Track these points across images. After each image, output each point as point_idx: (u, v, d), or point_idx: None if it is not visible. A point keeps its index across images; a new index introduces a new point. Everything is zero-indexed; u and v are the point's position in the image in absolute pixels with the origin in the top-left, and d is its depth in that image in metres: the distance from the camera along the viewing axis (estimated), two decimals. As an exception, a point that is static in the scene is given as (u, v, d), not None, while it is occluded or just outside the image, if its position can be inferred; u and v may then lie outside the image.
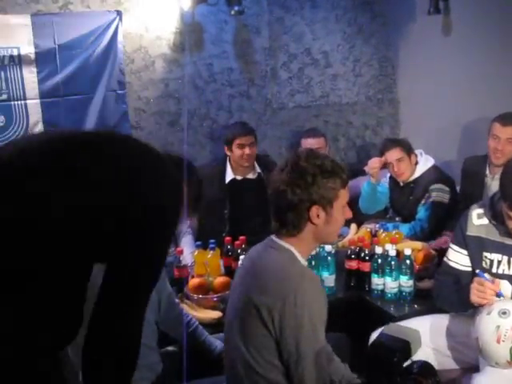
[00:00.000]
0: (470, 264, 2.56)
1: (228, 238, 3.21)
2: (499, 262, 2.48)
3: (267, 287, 1.92)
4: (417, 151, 3.91)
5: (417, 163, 3.87)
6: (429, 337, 2.59)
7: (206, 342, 2.57)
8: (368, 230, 3.54)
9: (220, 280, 2.90)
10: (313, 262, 2.92)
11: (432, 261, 3.07)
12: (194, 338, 2.54)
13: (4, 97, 3.80)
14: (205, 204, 3.95)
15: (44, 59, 3.84)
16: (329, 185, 1.96)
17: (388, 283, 2.89)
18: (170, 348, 2.59)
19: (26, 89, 3.84)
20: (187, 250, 3.20)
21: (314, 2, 4.82)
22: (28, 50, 3.79)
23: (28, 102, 3.86)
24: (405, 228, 3.62)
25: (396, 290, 2.90)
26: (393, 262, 2.88)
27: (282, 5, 4.71)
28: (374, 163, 3.90)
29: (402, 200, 3.93)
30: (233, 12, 4.25)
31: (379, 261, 2.92)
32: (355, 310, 2.99)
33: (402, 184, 3.93)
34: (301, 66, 4.87)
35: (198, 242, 3.17)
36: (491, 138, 3.50)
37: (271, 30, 4.70)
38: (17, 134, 3.85)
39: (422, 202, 3.75)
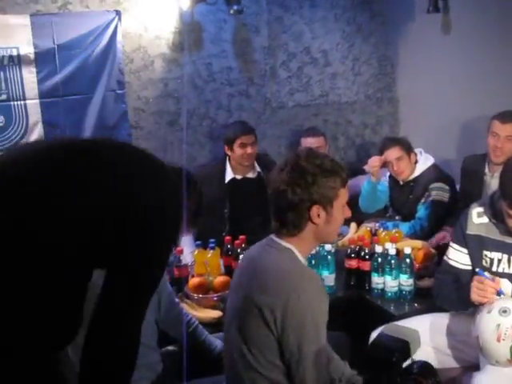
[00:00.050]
0: (470, 263, 2.56)
1: (228, 238, 3.22)
2: (499, 261, 2.48)
3: (269, 287, 1.91)
4: (416, 150, 3.91)
5: (416, 162, 3.86)
6: (429, 335, 2.59)
7: (206, 342, 2.57)
8: (368, 228, 3.54)
9: (220, 279, 2.91)
10: (313, 261, 2.92)
11: (432, 259, 3.08)
12: (194, 338, 2.54)
13: (3, 97, 3.80)
14: (205, 203, 3.99)
15: (43, 59, 3.84)
16: (329, 184, 1.96)
17: (388, 282, 2.89)
18: (170, 347, 2.59)
19: (26, 89, 3.84)
20: (187, 249, 3.20)
21: (313, 1, 4.81)
22: (27, 50, 3.79)
23: (27, 102, 3.86)
24: (405, 227, 3.62)
25: (396, 288, 2.90)
26: (393, 261, 2.88)
27: (281, 4, 4.70)
28: (374, 162, 3.90)
29: (402, 199, 3.93)
30: (232, 11, 4.25)
31: (379, 260, 2.92)
32: (355, 308, 2.99)
33: (401, 183, 3.93)
34: (300, 65, 4.87)
35: (198, 242, 3.17)
36: (490, 135, 3.50)
37: (270, 29, 4.69)
38: (16, 134, 3.85)
39: (422, 200, 3.75)
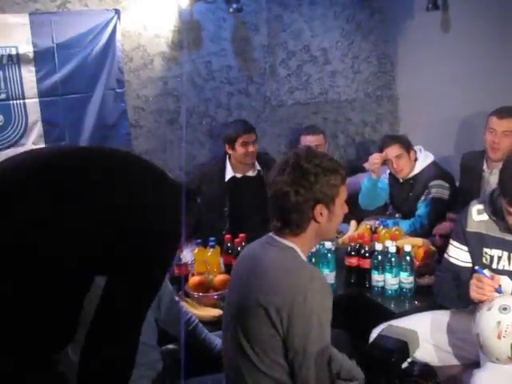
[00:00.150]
0: (470, 260, 2.56)
1: (228, 236, 3.22)
2: (499, 258, 2.48)
3: (274, 287, 1.91)
4: (416, 147, 3.91)
5: (416, 159, 3.86)
6: (429, 333, 2.59)
7: (206, 340, 2.57)
8: (368, 226, 3.54)
9: (220, 278, 2.91)
10: (313, 259, 2.92)
11: (432, 257, 3.08)
12: (194, 336, 2.54)
13: (2, 96, 3.79)
14: (205, 202, 3.99)
15: (42, 58, 3.84)
16: (331, 182, 1.97)
17: (388, 280, 2.89)
18: (171, 346, 2.59)
19: (25, 88, 3.83)
20: (187, 247, 3.20)
21: (313, -1, 4.82)
22: (26, 49, 3.79)
23: (27, 101, 3.86)
24: (405, 224, 3.62)
25: (396, 286, 2.90)
26: (393, 259, 2.88)
27: (281, 2, 4.70)
28: (374, 159, 3.90)
29: (402, 196, 3.93)
30: (231, 9, 4.26)
31: (379, 257, 2.91)
32: (355, 306, 2.99)
33: (401, 180, 3.93)
34: (299, 63, 4.87)
35: (198, 240, 3.17)
36: (488, 131, 3.51)
37: (270, 27, 4.69)
38: (16, 133, 3.85)
39: (422, 198, 3.75)
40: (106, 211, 1.46)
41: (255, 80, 4.72)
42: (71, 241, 1.41)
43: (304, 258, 2.04)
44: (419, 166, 3.85)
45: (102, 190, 1.47)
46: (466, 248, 2.57)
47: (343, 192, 2.04)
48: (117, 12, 4.04)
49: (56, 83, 3.91)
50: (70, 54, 3.92)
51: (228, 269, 3.03)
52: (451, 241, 2.65)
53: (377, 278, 2.93)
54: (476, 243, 2.53)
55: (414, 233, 3.54)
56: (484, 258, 2.51)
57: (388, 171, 4.01)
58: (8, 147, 3.85)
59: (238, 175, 3.98)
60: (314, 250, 2.89)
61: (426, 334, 2.57)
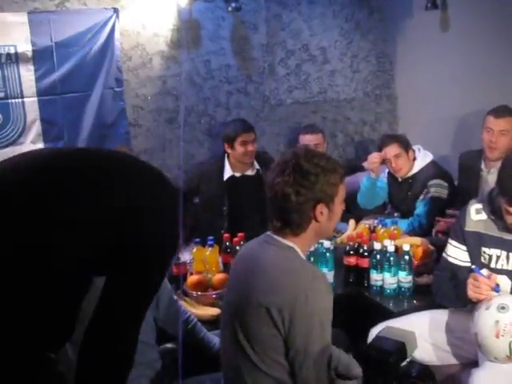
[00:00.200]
0: (468, 259, 2.57)
1: (227, 235, 3.22)
2: (498, 257, 2.48)
3: (276, 286, 1.90)
4: (415, 147, 3.90)
5: (415, 159, 3.86)
6: (428, 332, 2.59)
7: (205, 339, 2.56)
8: (366, 225, 3.54)
9: (219, 277, 2.90)
10: (311, 259, 2.92)
11: (431, 256, 3.07)
12: (192, 335, 2.54)
13: (1, 95, 3.80)
14: (203, 201, 3.99)
15: (41, 57, 3.84)
16: (331, 181, 1.97)
17: (387, 279, 2.89)
18: (169, 345, 2.59)
19: (24, 87, 3.84)
20: (185, 249, 3.20)
21: (311, -3, 4.82)
22: (25, 47, 3.79)
23: (25, 99, 3.86)
24: (403, 224, 3.62)
25: (395, 285, 2.89)
26: (391, 258, 2.88)
27: (279, 1, 4.70)
28: (373, 158, 3.89)
29: (401, 196, 3.93)
30: (230, 8, 4.26)
31: (378, 257, 2.91)
32: (354, 305, 2.99)
33: (400, 180, 3.93)
34: (298, 63, 4.87)
35: (197, 239, 3.16)
36: (485, 130, 3.52)
37: (268, 26, 4.69)
38: (14, 131, 3.85)
39: (421, 197, 3.75)
40: (105, 212, 1.46)
41: (254, 79, 4.72)
42: (70, 241, 1.42)
43: (303, 257, 2.05)
44: (418, 166, 3.85)
45: (100, 191, 1.48)
46: (464, 247, 2.57)
47: (342, 190, 2.04)
48: (115, 11, 4.04)
49: (55, 82, 3.91)
50: (69, 53, 3.92)
51: (227, 268, 3.03)
52: (450, 240, 2.65)
53: (375, 277, 2.93)
54: (474, 242, 2.54)
55: (412, 232, 3.54)
56: (482, 258, 2.51)
57: (387, 170, 4.01)
58: (6, 146, 3.85)
59: (237, 174, 3.97)
60: (312, 249, 2.88)
61: (425, 333, 2.57)
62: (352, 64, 5.09)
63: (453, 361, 2.59)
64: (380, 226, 3.40)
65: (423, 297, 2.86)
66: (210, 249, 3.06)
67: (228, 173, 3.95)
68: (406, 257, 2.87)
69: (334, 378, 1.92)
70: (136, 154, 3.87)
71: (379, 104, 5.28)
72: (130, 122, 4.28)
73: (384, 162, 3.89)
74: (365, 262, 2.98)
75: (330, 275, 2.96)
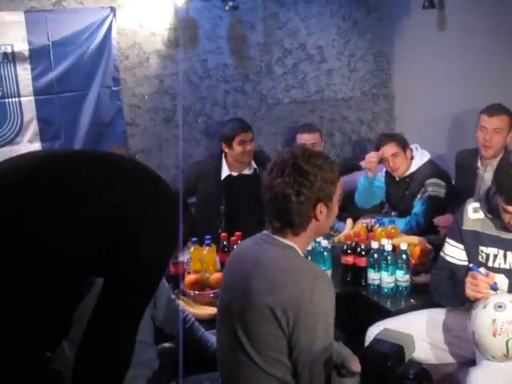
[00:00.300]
0: (466, 258, 2.57)
1: (224, 234, 3.22)
2: (495, 256, 2.48)
3: (280, 286, 1.89)
4: (412, 146, 3.91)
5: (412, 158, 3.86)
6: (425, 331, 2.59)
7: (203, 338, 2.56)
8: (364, 224, 3.54)
9: (216, 276, 2.90)
10: (309, 258, 2.92)
11: (428, 255, 3.08)
12: (190, 335, 2.54)
13: (-2, 94, 3.79)
14: (201, 200, 3.99)
15: (38, 56, 3.83)
16: (329, 180, 1.97)
17: (384, 278, 2.89)
18: (167, 344, 2.59)
19: (20, 86, 3.82)
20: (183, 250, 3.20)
21: (309, -4, 4.82)
22: (22, 46, 3.78)
23: (22, 99, 3.85)
24: (401, 223, 3.62)
25: (392, 284, 2.89)
26: (389, 257, 2.88)
27: (277, 0, 4.70)
28: (371, 157, 3.89)
29: (398, 195, 3.93)
30: (227, 7, 4.25)
31: (375, 256, 2.91)
32: (352, 304, 2.99)
33: (397, 179, 3.93)
34: (296, 62, 4.87)
35: (194, 238, 3.16)
36: (479, 129, 3.54)
37: (266, 25, 4.69)
38: (11, 131, 3.84)
39: (418, 196, 3.75)
40: (104, 212, 1.46)
41: (251, 78, 4.71)
42: (69, 241, 1.42)
43: (302, 256, 2.05)
44: (415, 165, 3.85)
45: (99, 191, 1.48)
46: (462, 246, 2.58)
47: (339, 188, 2.05)
48: (112, 10, 4.03)
49: (51, 81, 3.91)
50: (66, 52, 3.91)
51: (224, 267, 3.03)
52: (447, 239, 2.65)
53: (373, 276, 2.93)
54: (472, 241, 2.54)
55: (410, 231, 3.54)
56: (480, 256, 2.52)
57: (384, 169, 4.01)
58: (3, 145, 3.84)
59: (234, 173, 3.97)
60: (310, 248, 2.89)
61: (422, 332, 2.57)
62: (349, 63, 5.10)
63: (450, 359, 2.59)
64: (377, 225, 3.41)
65: (421, 296, 2.87)
66: (207, 248, 3.06)
67: (225, 172, 3.95)
68: (404, 256, 2.87)
69: (336, 377, 1.92)
70: (133, 154, 3.87)
71: (376, 103, 5.28)
72: (127, 121, 4.28)
73: (381, 161, 3.89)
74: (362, 261, 2.98)
75: (327, 274, 2.96)
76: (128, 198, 1.50)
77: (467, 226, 2.55)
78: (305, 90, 4.95)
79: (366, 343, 2.53)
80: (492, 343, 2.18)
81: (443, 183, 3.72)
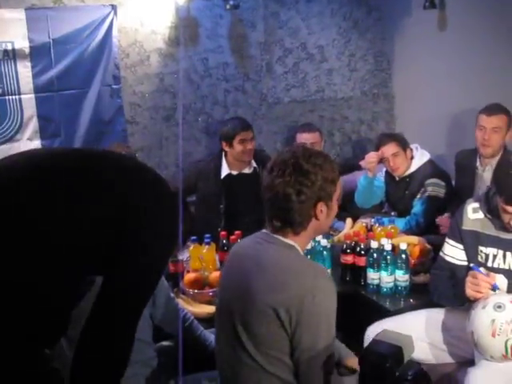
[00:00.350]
0: (465, 258, 2.57)
1: (223, 233, 3.22)
2: (494, 256, 2.49)
3: (282, 286, 1.89)
4: (412, 146, 3.91)
5: (412, 158, 3.86)
6: (424, 331, 2.59)
7: (202, 337, 2.56)
8: (363, 224, 3.54)
9: (215, 274, 2.90)
10: (308, 257, 2.91)
11: (428, 255, 3.08)
12: (189, 333, 2.54)
13: (-2, 91, 3.79)
14: (200, 199, 3.99)
15: (38, 53, 3.83)
16: (329, 179, 1.97)
17: (383, 277, 2.89)
18: (165, 343, 2.59)
19: (21, 83, 3.82)
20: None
21: (310, -4, 4.81)
22: (22, 44, 3.78)
23: (22, 96, 3.85)
24: (400, 222, 3.62)
25: (391, 284, 2.89)
26: (388, 257, 2.88)
27: (278, -1, 4.71)
28: (371, 157, 3.89)
29: (398, 194, 3.93)
30: (228, 6, 4.25)
31: (375, 255, 2.91)
32: (351, 304, 2.99)
33: (397, 178, 3.93)
34: (296, 61, 4.87)
35: (194, 237, 3.16)
36: (478, 129, 3.55)
37: (266, 24, 4.69)
38: (11, 128, 3.84)
39: (418, 196, 3.75)
40: (104, 211, 1.46)
41: (252, 77, 4.71)
42: (69, 239, 1.42)
43: (303, 255, 2.05)
44: (415, 164, 3.85)
45: (100, 190, 1.48)
46: (461, 246, 2.58)
47: (338, 187, 2.05)
48: (113, 8, 4.04)
49: (52, 79, 3.90)
50: (66, 50, 3.91)
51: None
52: (447, 239, 2.65)
53: (372, 275, 2.93)
54: (471, 241, 2.54)
55: (409, 231, 3.54)
56: (479, 256, 2.52)
57: (384, 169, 4.01)
58: (3, 142, 3.84)
59: (234, 172, 3.97)
60: (309, 247, 2.89)
61: (421, 332, 2.57)
62: (350, 63, 5.10)
63: (449, 359, 2.59)
64: (377, 225, 3.41)
65: (420, 295, 2.87)
66: (206, 247, 3.06)
67: (225, 171, 3.95)
68: (403, 255, 2.87)
69: (336, 376, 1.92)
70: (133, 152, 3.87)
71: (376, 103, 5.29)
72: (127, 120, 4.28)
73: (382, 160, 3.89)
74: (362, 261, 2.98)
75: (326, 273, 2.96)
76: (128, 196, 1.50)
77: (467, 226, 2.55)
78: (305, 89, 4.95)
79: (365, 343, 2.53)
80: (491, 343, 2.18)
81: (443, 183, 3.72)
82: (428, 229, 3.56)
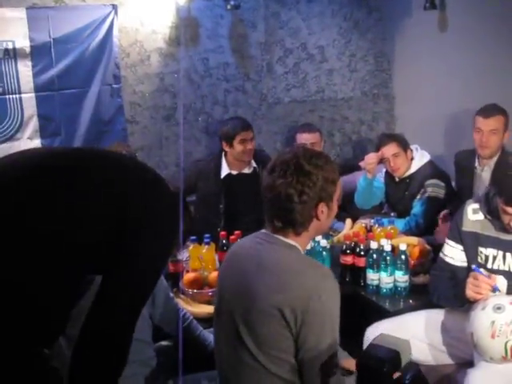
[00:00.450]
0: (465, 259, 2.57)
1: (223, 233, 3.21)
2: (494, 258, 2.48)
3: (287, 286, 1.89)
4: (412, 146, 3.91)
5: (412, 158, 3.86)
6: (424, 332, 2.59)
7: (201, 337, 2.56)
8: (363, 225, 3.54)
9: (215, 274, 2.89)
10: (308, 257, 2.92)
11: (427, 256, 3.08)
12: (188, 333, 2.54)
13: (-1, 90, 3.79)
14: (200, 198, 3.99)
15: (39, 53, 3.83)
16: (330, 180, 1.97)
17: (383, 278, 2.89)
18: (164, 343, 2.59)
19: (21, 82, 3.82)
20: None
21: (310, -4, 4.82)
22: (23, 43, 3.78)
23: (23, 95, 3.85)
24: (400, 223, 3.62)
25: (391, 285, 2.89)
26: (388, 257, 2.88)
27: (278, -1, 4.71)
28: (370, 159, 3.89)
29: (398, 195, 3.93)
30: (229, 6, 4.25)
31: (374, 256, 2.91)
32: (350, 305, 2.99)
33: (397, 179, 3.93)
34: (296, 61, 4.87)
35: (193, 237, 3.16)
36: (475, 131, 3.55)
37: (267, 24, 4.69)
38: (11, 127, 3.84)
39: (418, 197, 3.75)
40: (105, 209, 1.46)
41: (252, 77, 4.72)
42: (69, 238, 1.42)
43: (305, 255, 2.06)
44: (415, 165, 3.85)
45: (100, 188, 1.48)
46: (461, 247, 2.57)
47: (339, 187, 2.05)
48: (114, 7, 4.04)
49: (52, 78, 3.90)
50: (67, 49, 3.91)
51: (223, 266, 3.03)
52: (447, 240, 2.65)
53: (372, 276, 2.92)
54: (471, 242, 2.54)
55: (409, 232, 3.54)
56: (479, 258, 2.52)
57: (384, 170, 4.01)
58: (3, 141, 3.84)
59: (234, 172, 3.97)
60: (309, 247, 2.89)
61: (421, 333, 2.58)
62: (350, 63, 5.10)
63: (448, 361, 2.59)
64: (377, 226, 3.41)
65: (419, 296, 2.86)
66: (206, 246, 3.06)
67: (225, 171, 3.95)
68: (403, 256, 2.87)
69: (339, 376, 1.93)
70: (133, 151, 3.87)
71: (377, 103, 5.29)
72: (128, 119, 4.28)
73: (382, 161, 3.89)
74: (361, 261, 2.98)
75: (326, 274, 2.96)
76: (127, 196, 1.50)
77: (467, 227, 2.55)
78: (305, 89, 4.95)
79: (365, 344, 2.53)
80: (490, 345, 2.18)
81: (443, 184, 3.72)
82: (428, 230, 3.56)
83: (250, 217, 3.74)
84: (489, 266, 2.48)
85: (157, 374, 2.35)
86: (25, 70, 3.82)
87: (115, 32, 4.07)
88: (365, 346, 2.30)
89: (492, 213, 2.47)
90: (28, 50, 3.80)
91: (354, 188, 4.07)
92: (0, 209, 1.42)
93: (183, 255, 3.13)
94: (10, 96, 3.80)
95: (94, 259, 1.47)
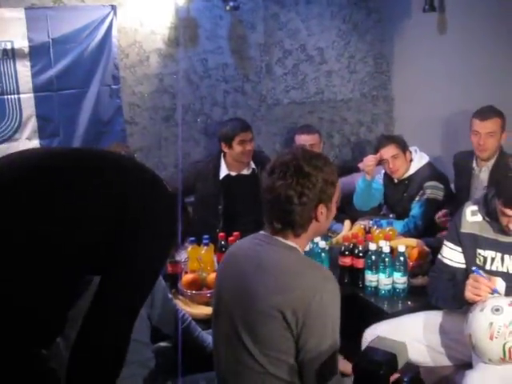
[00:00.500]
0: (464, 261, 2.57)
1: (222, 234, 3.21)
2: (493, 259, 2.48)
3: (288, 287, 1.89)
4: (411, 148, 3.91)
5: (411, 160, 3.87)
6: (422, 333, 2.59)
7: (199, 338, 2.56)
8: (362, 226, 3.54)
9: (214, 276, 2.89)
10: (307, 258, 2.92)
11: (426, 258, 3.08)
12: (187, 334, 2.53)
13: (-3, 91, 3.79)
14: (199, 199, 3.99)
15: (38, 53, 3.82)
16: (329, 181, 1.97)
17: (382, 280, 2.89)
18: (163, 344, 2.58)
19: (20, 83, 3.81)
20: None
21: (310, -2, 4.82)
22: (22, 43, 3.77)
23: (21, 96, 3.84)
24: (399, 225, 3.62)
25: (390, 286, 2.89)
26: (386, 259, 2.88)
27: (277, 1, 4.70)
28: (369, 160, 3.89)
29: (396, 197, 3.93)
30: (228, 7, 4.25)
31: (373, 257, 2.91)
32: (349, 306, 2.98)
33: (396, 181, 3.93)
34: (296, 63, 4.87)
35: (192, 238, 3.16)
36: (472, 133, 3.56)
37: (266, 25, 4.69)
38: (10, 128, 3.83)
39: (417, 198, 3.75)
40: (103, 210, 1.46)
41: (251, 78, 4.71)
42: (67, 239, 1.42)
43: (305, 256, 2.06)
44: (414, 167, 3.85)
45: (98, 189, 1.48)
46: (459, 249, 2.57)
47: (338, 188, 2.06)
48: (113, 8, 4.03)
49: (51, 78, 3.90)
50: (66, 50, 3.91)
51: (222, 267, 3.03)
52: (445, 242, 2.65)
53: (370, 277, 2.92)
54: (470, 244, 2.54)
55: (407, 233, 3.54)
56: (477, 259, 2.52)
57: (383, 171, 4.01)
58: (2, 142, 3.83)
59: (233, 173, 3.97)
60: (307, 249, 2.88)
61: (419, 335, 2.57)
62: (349, 65, 5.10)
63: (446, 362, 2.59)
64: (375, 227, 3.41)
65: (418, 298, 2.87)
66: (205, 248, 3.06)
67: (224, 172, 3.95)
68: (401, 258, 2.87)
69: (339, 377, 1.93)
70: (132, 152, 3.87)
71: (376, 105, 5.29)
72: (127, 120, 4.27)
73: (381, 162, 3.89)
74: (360, 263, 2.98)
75: (324, 275, 2.96)
76: (126, 197, 1.50)
77: (465, 228, 2.55)
78: (304, 91, 4.95)
79: (363, 345, 2.53)
80: (489, 346, 2.18)
81: (441, 186, 3.72)
82: (426, 231, 3.56)
83: (248, 218, 3.74)
84: (487, 267, 2.48)
85: (155, 375, 2.34)
86: (23, 71, 3.81)
87: (114, 32, 4.06)
88: (363, 347, 2.30)
89: (490, 214, 2.47)
90: (27, 50, 3.79)
91: (353, 189, 4.07)
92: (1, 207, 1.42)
93: (182, 256, 3.13)
94: (9, 96, 3.79)
95: (92, 260, 1.47)
